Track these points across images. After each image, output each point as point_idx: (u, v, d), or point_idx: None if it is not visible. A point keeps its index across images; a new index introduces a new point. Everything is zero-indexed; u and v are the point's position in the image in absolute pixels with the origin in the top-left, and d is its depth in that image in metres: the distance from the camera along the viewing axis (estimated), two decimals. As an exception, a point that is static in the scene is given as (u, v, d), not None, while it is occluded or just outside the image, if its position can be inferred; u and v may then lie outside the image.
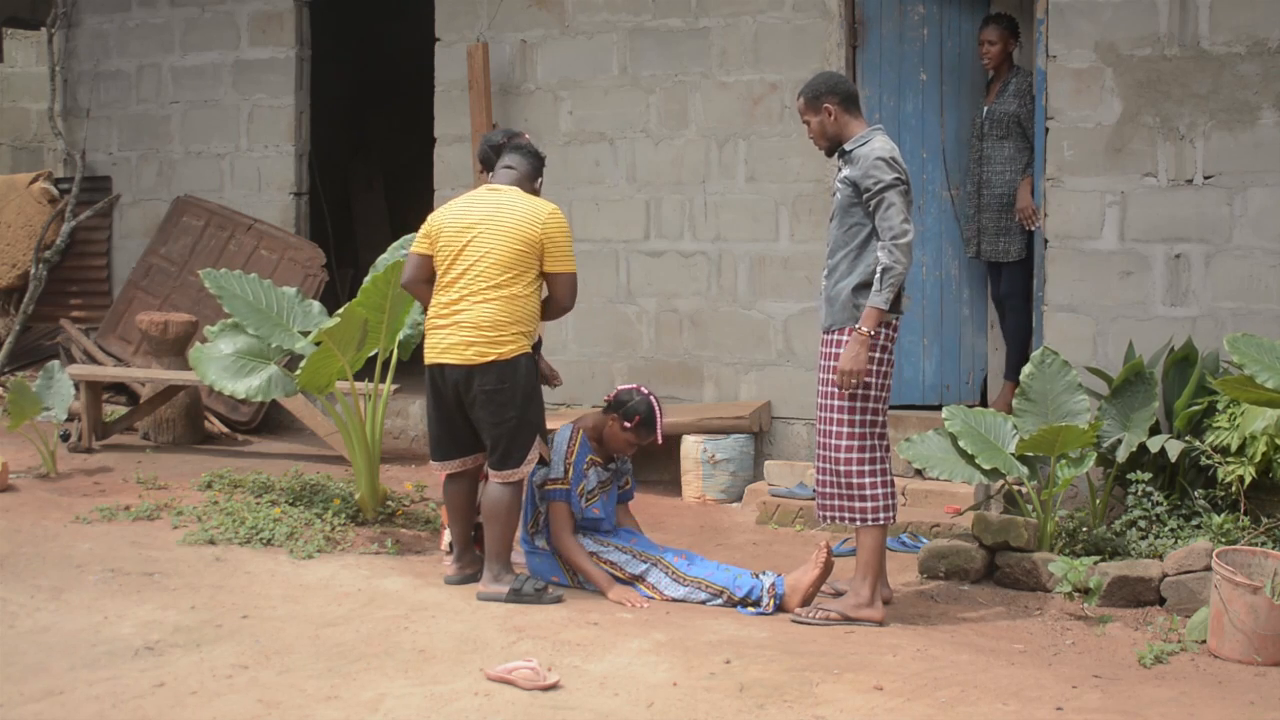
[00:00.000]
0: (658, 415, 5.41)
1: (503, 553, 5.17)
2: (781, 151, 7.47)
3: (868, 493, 4.97)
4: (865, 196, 4.92)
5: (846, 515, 5.02)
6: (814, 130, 5.13)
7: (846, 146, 5.05)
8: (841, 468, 4.99)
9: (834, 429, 5.01)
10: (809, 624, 4.91)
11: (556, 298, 5.28)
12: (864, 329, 4.87)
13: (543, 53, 8.06)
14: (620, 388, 5.55)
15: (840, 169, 5.08)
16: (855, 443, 4.97)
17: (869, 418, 4.99)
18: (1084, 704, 4.12)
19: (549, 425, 5.97)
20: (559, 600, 5.11)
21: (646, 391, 5.46)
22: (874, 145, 4.97)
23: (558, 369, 5.86)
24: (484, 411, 5.13)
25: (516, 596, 5.06)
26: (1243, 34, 6.49)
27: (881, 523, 4.99)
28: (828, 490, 5.06)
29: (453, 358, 5.14)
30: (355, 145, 12.34)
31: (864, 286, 4.94)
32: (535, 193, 5.35)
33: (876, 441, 5.02)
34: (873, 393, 4.99)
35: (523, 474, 5.16)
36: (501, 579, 5.13)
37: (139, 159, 9.50)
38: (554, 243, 5.18)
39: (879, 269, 4.87)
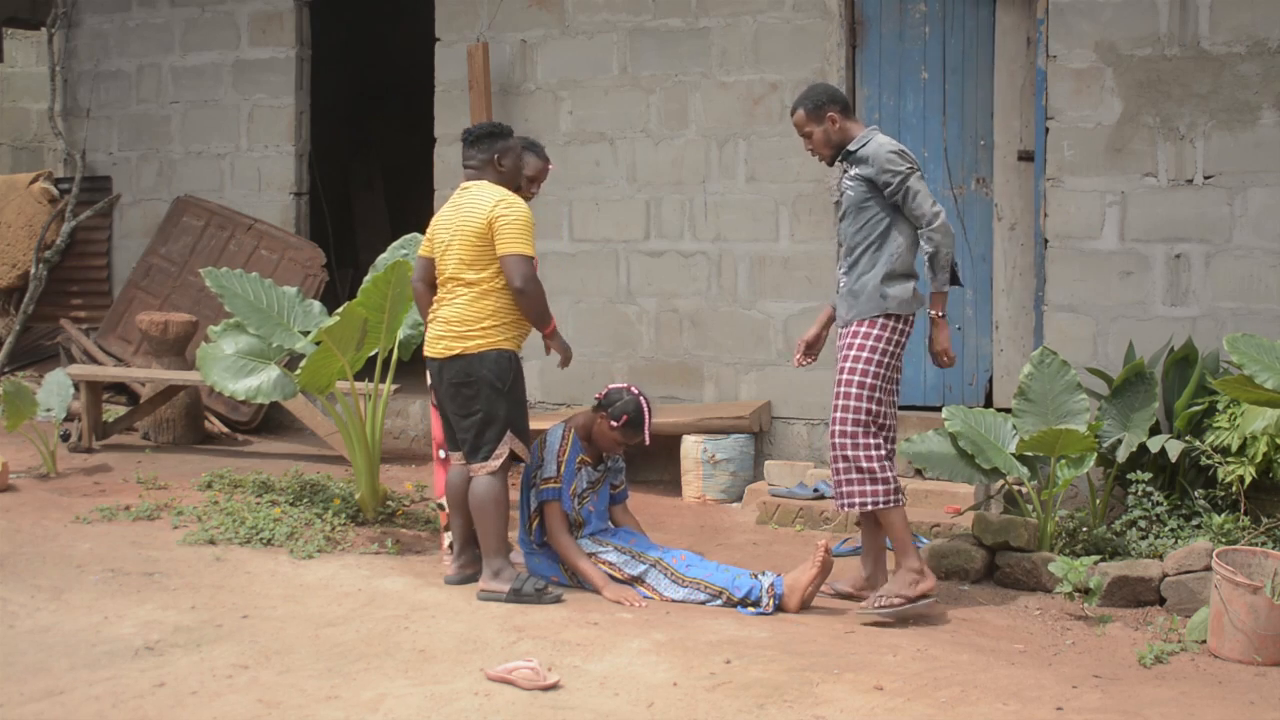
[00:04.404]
0: (646, 415, 5.39)
1: (499, 548, 5.17)
2: (781, 151, 7.47)
3: (879, 475, 5.05)
4: (887, 192, 5.04)
5: (869, 500, 5.07)
6: (816, 140, 5.17)
7: (851, 148, 5.15)
8: (852, 453, 5.06)
9: (849, 415, 5.07)
10: (875, 616, 4.94)
11: (507, 280, 5.15)
12: (936, 313, 5.13)
13: (543, 53, 8.06)
14: (611, 386, 5.52)
15: (846, 170, 5.13)
16: (867, 429, 5.07)
17: (874, 407, 5.09)
18: (1084, 704, 4.12)
19: (545, 425, 5.95)
20: (559, 600, 5.10)
21: (636, 391, 5.44)
22: (880, 141, 5.10)
23: (561, 369, 5.73)
24: (451, 404, 5.25)
25: (517, 596, 5.06)
26: (1243, 34, 6.49)
27: (902, 503, 5.10)
28: (845, 477, 5.10)
29: (431, 351, 5.31)
30: (355, 145, 12.34)
31: (891, 276, 5.07)
32: (509, 171, 5.29)
33: (883, 435, 5.13)
34: (880, 384, 5.09)
35: (492, 467, 5.16)
36: (501, 575, 5.13)
37: (139, 159, 9.50)
38: (499, 228, 5.14)
39: (926, 257, 5.05)
